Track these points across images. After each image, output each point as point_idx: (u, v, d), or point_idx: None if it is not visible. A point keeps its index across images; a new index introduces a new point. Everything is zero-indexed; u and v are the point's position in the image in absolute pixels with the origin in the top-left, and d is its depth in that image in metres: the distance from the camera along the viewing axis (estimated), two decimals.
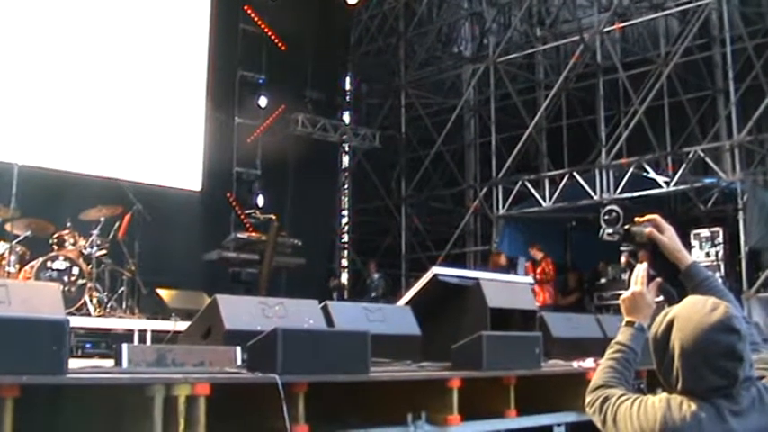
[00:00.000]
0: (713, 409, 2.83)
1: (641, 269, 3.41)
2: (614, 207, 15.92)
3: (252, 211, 18.37)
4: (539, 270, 16.29)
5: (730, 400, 2.85)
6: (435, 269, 8.35)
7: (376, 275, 18.21)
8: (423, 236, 22.66)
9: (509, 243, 19.20)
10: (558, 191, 18.13)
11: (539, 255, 16.55)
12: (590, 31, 19.67)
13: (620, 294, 3.57)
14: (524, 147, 19.74)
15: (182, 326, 8.59)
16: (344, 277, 23.07)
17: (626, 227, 3.55)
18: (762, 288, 15.68)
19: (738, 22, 18.80)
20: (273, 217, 17.32)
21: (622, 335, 3.32)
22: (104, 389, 4.73)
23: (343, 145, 22.83)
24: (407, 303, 7.99)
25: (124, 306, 12.34)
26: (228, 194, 18.91)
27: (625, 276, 15.29)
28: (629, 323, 3.34)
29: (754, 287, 15.64)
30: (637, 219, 3.51)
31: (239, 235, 17.73)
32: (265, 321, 6.21)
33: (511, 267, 17.73)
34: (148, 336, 10.98)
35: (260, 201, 19.33)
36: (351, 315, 7.22)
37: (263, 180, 19.59)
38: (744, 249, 15.77)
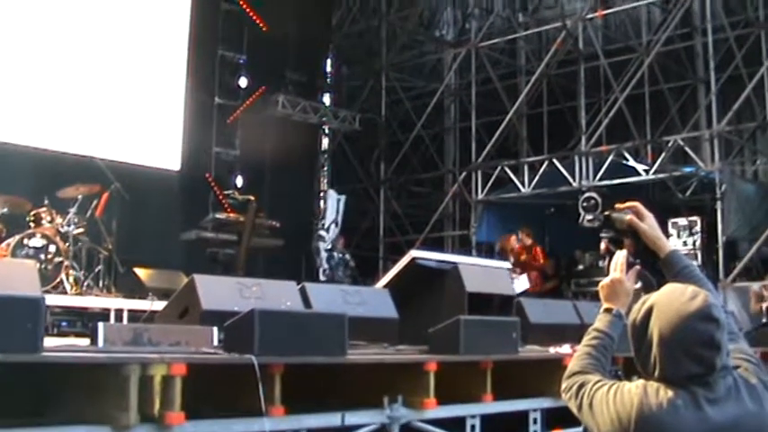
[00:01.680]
0: (690, 397, 2.84)
1: (620, 256, 3.41)
2: (593, 194, 16.01)
3: (230, 191, 17.89)
4: (528, 256, 16.14)
5: (707, 388, 2.86)
6: (414, 252, 8.34)
7: (335, 254, 18.16)
8: (401, 219, 22.61)
9: (487, 228, 19.34)
10: (537, 177, 18.13)
11: (528, 240, 16.36)
12: (572, 18, 19.69)
13: (597, 281, 3.59)
14: (504, 132, 19.76)
15: (158, 305, 8.55)
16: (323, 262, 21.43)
17: (606, 213, 3.54)
18: (738, 277, 15.69)
19: (720, 13, 19.03)
20: (252, 198, 16.45)
21: (600, 321, 3.32)
22: (80, 368, 4.69)
23: (323, 127, 22.77)
24: (385, 286, 7.96)
25: (101, 285, 12.27)
26: (207, 175, 18.79)
27: (602, 263, 15.23)
28: (608, 310, 3.34)
29: (731, 276, 15.66)
30: (617, 205, 3.50)
31: (217, 215, 17.66)
32: (242, 302, 6.16)
33: (488, 253, 18.13)
34: (125, 315, 10.91)
35: (238, 181, 19.20)
36: (328, 297, 7.17)
37: (241, 161, 19.44)
38: (721, 239, 15.81)
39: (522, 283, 14.85)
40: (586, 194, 16.06)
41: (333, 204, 19.27)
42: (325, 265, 17.69)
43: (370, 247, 21.93)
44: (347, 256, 18.12)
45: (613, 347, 3.28)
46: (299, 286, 7.00)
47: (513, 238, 16.32)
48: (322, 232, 18.62)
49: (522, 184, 18.37)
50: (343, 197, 19.59)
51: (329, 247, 18.21)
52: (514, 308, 8.38)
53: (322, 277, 17.54)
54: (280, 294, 6.67)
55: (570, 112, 21.33)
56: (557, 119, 21.92)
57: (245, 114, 19.76)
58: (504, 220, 18.93)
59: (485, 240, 19.29)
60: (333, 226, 18.87)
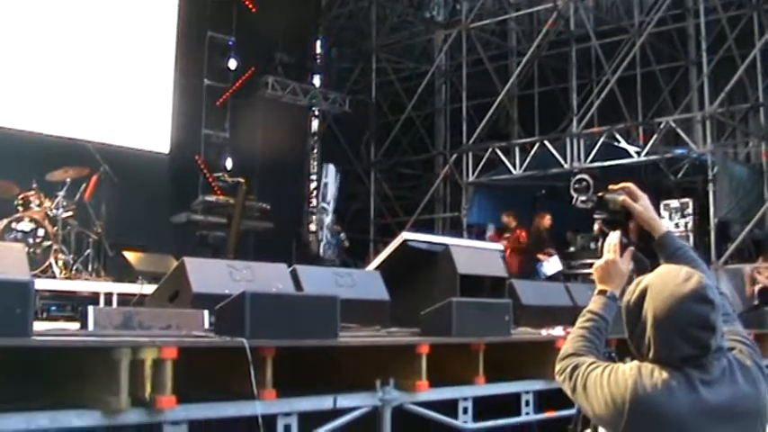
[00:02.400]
0: (684, 378, 2.84)
1: (614, 237, 3.40)
2: (584, 176, 15.70)
3: (220, 174, 18.15)
4: (511, 238, 16.06)
5: (701, 369, 2.85)
6: (405, 234, 8.38)
7: (330, 235, 18.23)
8: (392, 201, 22.63)
9: (478, 210, 19.33)
10: (528, 159, 18.06)
11: (512, 223, 16.37)
12: None
13: (589, 263, 3.56)
14: (495, 114, 19.68)
15: (148, 289, 8.57)
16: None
17: (599, 194, 3.52)
18: (730, 259, 15.70)
19: None
20: (242, 180, 17.16)
21: (594, 303, 3.31)
22: (70, 352, 4.68)
23: (313, 109, 22.63)
24: (377, 268, 7.97)
25: (90, 269, 12.21)
26: (197, 157, 18.75)
27: (595, 245, 15.23)
28: (602, 292, 3.32)
29: (723, 258, 15.64)
30: (611, 186, 3.48)
31: (207, 198, 17.63)
32: (233, 285, 6.15)
33: (479, 235, 18.17)
34: (114, 299, 10.86)
35: (228, 164, 19.16)
36: (320, 280, 7.18)
37: (231, 143, 19.40)
38: (713, 221, 15.78)
39: (553, 264, 14.97)
40: (578, 176, 15.75)
41: (333, 179, 19.15)
42: (326, 240, 17.77)
43: (360, 230, 21.88)
44: (342, 236, 18.14)
45: (607, 329, 3.26)
46: (290, 269, 6.97)
47: (547, 217, 16.13)
48: (324, 204, 18.47)
49: (514, 166, 18.28)
50: (339, 174, 19.56)
51: (330, 221, 18.17)
52: (507, 290, 8.35)
53: (323, 252, 17.59)
54: (271, 277, 6.64)
55: (562, 94, 21.21)
56: (548, 100, 21.80)
57: (234, 96, 19.65)
58: (495, 202, 18.87)
59: (476, 222, 19.25)
60: (332, 201, 18.83)
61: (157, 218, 16.55)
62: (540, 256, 15.17)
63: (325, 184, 18.98)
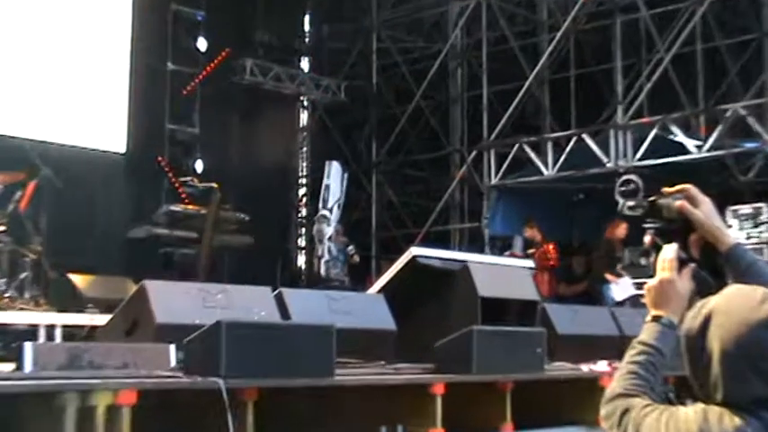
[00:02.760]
0: (761, 425, 2.79)
1: (670, 251, 3.36)
2: (632, 177, 13.35)
3: (189, 178, 18.44)
4: (537, 254, 16.19)
5: None
6: (414, 250, 8.44)
7: (336, 249, 18.05)
8: (397, 210, 22.58)
9: (502, 219, 19.28)
10: (563, 156, 18.03)
11: (537, 235, 16.53)
12: None
13: (640, 283, 3.55)
14: (522, 102, 19.53)
15: (100, 320, 8.67)
16: (302, 260, 22.94)
17: (651, 199, 3.50)
18: None
19: None
20: (215, 186, 17.53)
21: (647, 332, 3.25)
22: (3, 399, 4.65)
23: (302, 98, 22.60)
24: (380, 291, 8.06)
25: (27, 295, 12.15)
26: (159, 158, 18.76)
27: (645, 261, 14.97)
28: (656, 318, 3.26)
29: None
30: (665, 189, 3.47)
31: (173, 207, 17.76)
32: (206, 313, 6.22)
33: (504, 249, 18.00)
34: (58, 333, 10.87)
35: (198, 166, 19.31)
36: (311, 305, 7.30)
37: (202, 140, 19.44)
38: None
39: (624, 287, 14.91)
40: (625, 177, 13.91)
41: (337, 179, 19.06)
42: (328, 256, 17.62)
43: (360, 245, 20.88)
44: (350, 249, 18.01)
45: (664, 364, 3.21)
46: (275, 292, 7.07)
47: (623, 225, 15.86)
48: (325, 212, 18.24)
49: (545, 166, 18.19)
50: (346, 173, 19.59)
51: (333, 233, 18.07)
52: (539, 316, 8.49)
53: (324, 271, 17.59)
54: (251, 303, 6.75)
55: (603, 77, 20.76)
56: (587, 85, 21.39)
57: (205, 84, 19.60)
58: (522, 209, 18.77)
59: (500, 234, 19.15)
60: (336, 207, 18.74)
61: (111, 232, 16.57)
62: (609, 277, 15.19)
63: (327, 187, 18.81)
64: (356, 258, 18.03)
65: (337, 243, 18.09)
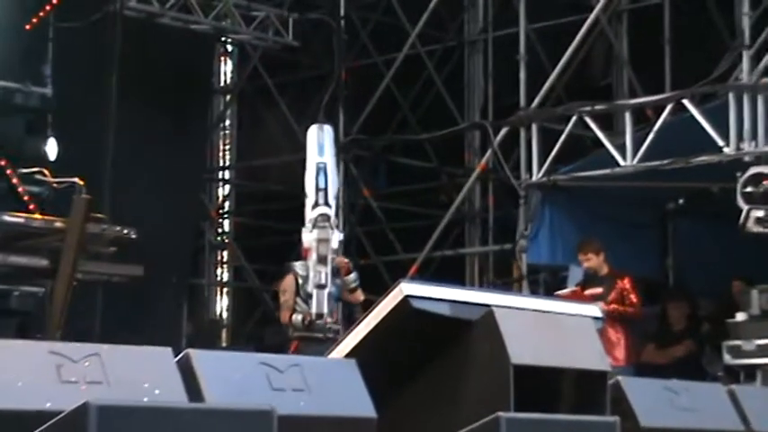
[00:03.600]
0: None
1: None
2: (764, 169, 14.42)
3: (35, 169, 14.71)
4: (609, 294, 14.18)
5: None
6: (406, 287, 7.22)
7: (352, 276, 14.39)
8: (380, 222, 20.10)
9: (549, 239, 16.82)
10: (650, 137, 15.50)
11: (604, 266, 14.29)
12: None
13: None
14: (583, 47, 17.20)
15: None
16: (224, 304, 20.76)
17: None
18: None
19: None
20: (79, 182, 13.53)
21: None
22: None
23: (224, 40, 19.97)
24: (351, 354, 7.21)
25: None
26: None
27: None
28: None
29: None
30: None
31: (7, 218, 13.96)
32: (63, 392, 5.49)
33: (552, 286, 16.64)
34: None
35: (50, 148, 16.11)
36: (237, 376, 6.35)
37: (58, 109, 16.38)
38: None
39: None
40: (753, 171, 14.29)
41: (332, 153, 15.61)
42: (332, 287, 14.03)
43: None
44: (352, 278, 14.40)
45: None
46: (180, 356, 6.07)
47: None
48: (326, 209, 14.53)
49: (621, 152, 15.61)
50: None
51: (338, 248, 14.44)
52: (608, 395, 7.48)
53: (314, 310, 14.12)
54: (139, 373, 5.92)
55: (719, 8, 17.57)
56: (689, 22, 18.52)
57: (60, 17, 16.60)
58: (583, 222, 16.65)
59: (546, 262, 16.86)
60: (335, 201, 15.55)
61: None
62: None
63: (321, 169, 14.79)
64: (359, 296, 14.33)
65: (333, 267, 14.26)
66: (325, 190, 14.52)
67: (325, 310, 13.66)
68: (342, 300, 14.41)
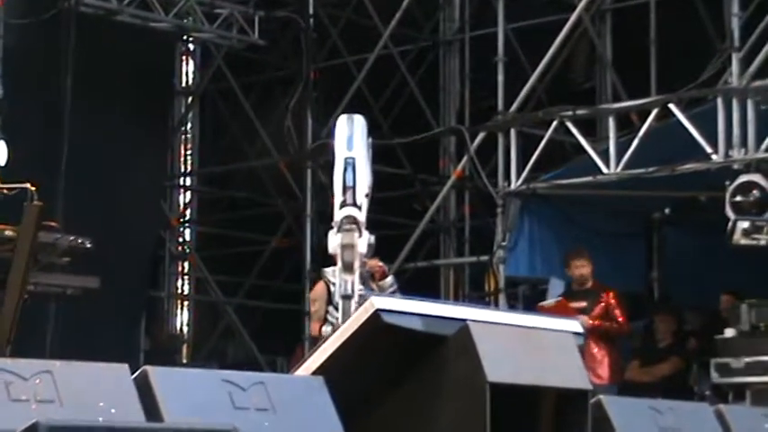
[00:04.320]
0: None
1: None
2: (754, 178, 14.37)
3: None
4: (595, 311, 14.07)
5: None
6: (376, 300, 7.12)
7: (389, 279, 14.29)
8: None
9: (529, 250, 16.77)
10: (635, 143, 15.42)
11: (588, 278, 14.31)
12: None
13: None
14: (564, 48, 17.18)
15: None
16: (184, 318, 20.45)
17: None
18: None
19: None
20: (30, 187, 11.79)
21: None
22: None
23: (186, 39, 19.89)
24: (318, 371, 6.96)
25: None
26: None
27: None
28: None
29: None
30: None
31: None
32: (13, 410, 5.42)
33: (532, 299, 16.44)
34: None
35: (1, 153, 15.01)
36: (197, 395, 6.17)
37: (8, 112, 16.13)
38: None
39: None
40: (743, 179, 14.26)
41: (363, 143, 15.35)
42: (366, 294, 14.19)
43: (285, 293, 19.80)
44: (388, 282, 14.37)
45: None
46: (137, 373, 5.86)
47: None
48: (352, 210, 15.53)
49: (605, 160, 15.56)
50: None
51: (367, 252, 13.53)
52: (589, 415, 7.23)
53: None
54: (94, 391, 5.74)
55: (708, 11, 17.53)
56: (677, 24, 18.34)
57: (10, 12, 16.60)
58: (564, 232, 16.58)
59: (524, 274, 16.80)
60: (366, 199, 14.24)
61: None
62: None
63: (350, 163, 14.31)
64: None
65: (363, 274, 12.90)
66: (353, 188, 13.94)
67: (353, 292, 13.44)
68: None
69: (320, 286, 12.89)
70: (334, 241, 12.10)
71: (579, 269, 14.24)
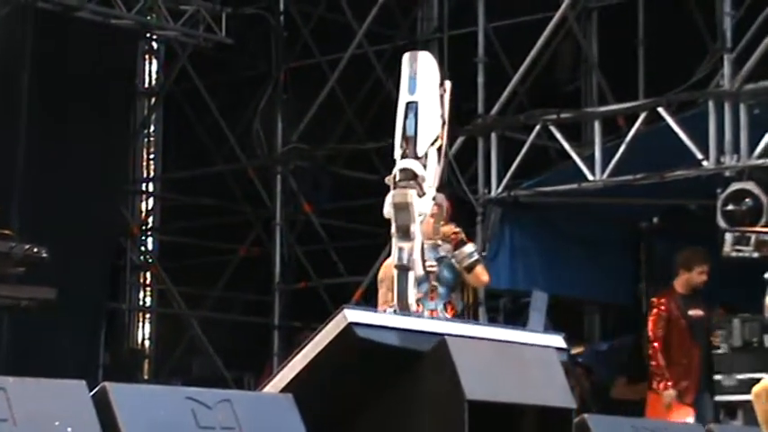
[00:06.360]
0: None
1: None
2: (747, 186, 14.56)
3: None
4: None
5: None
6: (349, 313, 7.02)
7: (467, 247, 12.80)
8: (322, 241, 19.69)
9: (511, 260, 16.76)
10: (621, 149, 15.53)
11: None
12: None
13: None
14: (548, 49, 17.11)
15: None
16: (146, 331, 20.29)
17: None
18: None
19: None
20: None
21: None
22: None
23: (149, 36, 19.86)
24: (287, 388, 7.02)
25: None
26: None
27: None
28: None
29: None
30: None
31: None
32: None
33: (513, 313, 16.87)
34: None
35: None
36: (159, 413, 6.28)
37: None
38: None
39: None
40: (735, 187, 14.45)
41: (432, 100, 15.05)
42: (443, 268, 12.51)
43: (253, 306, 19.92)
44: (470, 250, 12.91)
45: None
46: (96, 390, 5.88)
47: None
48: (408, 163, 14.36)
49: (590, 166, 15.65)
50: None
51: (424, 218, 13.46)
52: None
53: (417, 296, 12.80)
54: (50, 409, 5.77)
55: (700, 10, 17.43)
56: (667, 26, 18.34)
57: None
58: (547, 242, 16.80)
59: (506, 287, 16.60)
60: (432, 149, 15.23)
61: None
62: None
63: (411, 111, 14.46)
64: (481, 276, 12.51)
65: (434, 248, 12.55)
66: (415, 137, 12.17)
67: (412, 299, 12.40)
68: (459, 283, 12.72)
69: (389, 265, 10.79)
70: (388, 200, 10.73)
71: (702, 276, 13.76)
